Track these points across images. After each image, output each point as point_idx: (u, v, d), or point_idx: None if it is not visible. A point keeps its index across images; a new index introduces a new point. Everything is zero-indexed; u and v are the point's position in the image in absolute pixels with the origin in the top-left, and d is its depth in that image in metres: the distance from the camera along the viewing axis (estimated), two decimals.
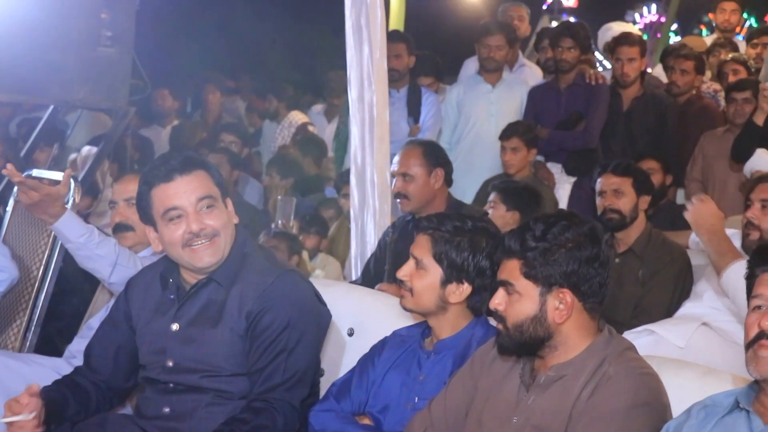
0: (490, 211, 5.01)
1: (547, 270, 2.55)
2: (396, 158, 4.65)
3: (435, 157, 4.57)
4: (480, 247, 3.04)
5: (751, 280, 2.39)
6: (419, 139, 4.97)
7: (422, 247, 3.08)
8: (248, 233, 3.26)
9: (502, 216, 4.88)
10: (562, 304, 2.56)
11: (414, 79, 6.91)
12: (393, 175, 4.64)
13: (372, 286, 4.25)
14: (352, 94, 5.25)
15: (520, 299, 2.58)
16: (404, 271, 3.10)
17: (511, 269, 2.60)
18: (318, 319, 3.19)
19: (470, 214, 3.22)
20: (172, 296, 3.15)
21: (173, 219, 3.02)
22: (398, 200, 4.60)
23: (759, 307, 2.34)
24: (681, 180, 6.24)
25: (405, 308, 3.13)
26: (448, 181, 4.61)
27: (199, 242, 3.02)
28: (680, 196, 6.34)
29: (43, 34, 4.86)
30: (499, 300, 2.63)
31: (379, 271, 4.59)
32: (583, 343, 2.59)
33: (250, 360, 3.03)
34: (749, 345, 2.31)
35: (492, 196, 5.15)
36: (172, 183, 3.02)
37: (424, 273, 3.06)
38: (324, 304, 3.25)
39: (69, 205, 4.18)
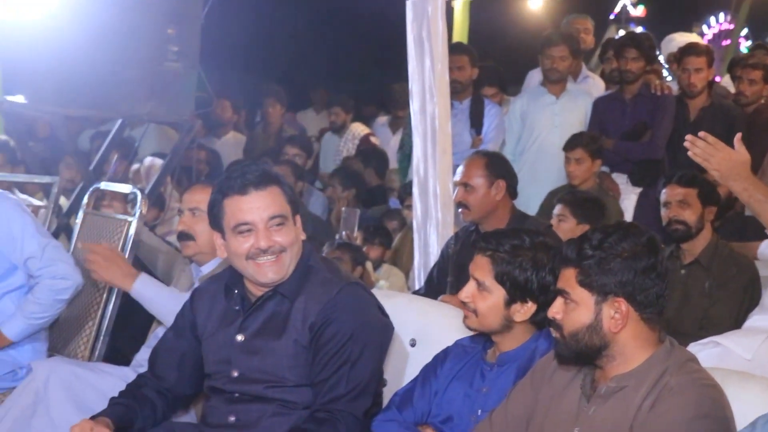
0: (559, 224, 5.00)
1: (602, 279, 2.54)
2: (459, 168, 4.66)
3: (498, 168, 4.56)
4: (542, 264, 3.02)
5: None
6: (484, 150, 4.97)
7: (482, 268, 3.06)
8: (313, 246, 3.28)
9: (572, 229, 4.87)
10: (617, 313, 2.55)
11: (477, 90, 6.91)
12: (455, 185, 4.65)
13: (435, 297, 4.25)
14: (415, 106, 5.29)
15: (576, 308, 2.58)
16: (466, 293, 3.08)
17: (567, 278, 2.60)
18: (381, 330, 3.20)
19: (528, 230, 3.19)
20: (237, 307, 3.19)
21: (243, 232, 3.05)
22: (459, 210, 4.60)
23: None
24: None
25: (469, 328, 3.12)
26: (512, 193, 4.59)
27: (265, 258, 3.05)
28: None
29: (111, 50, 4.97)
30: (556, 309, 2.63)
31: (443, 282, 4.60)
32: (643, 354, 2.57)
33: (314, 371, 3.05)
34: None
35: (560, 209, 5.13)
36: (246, 197, 3.05)
37: (487, 294, 3.04)
38: (387, 316, 3.25)
39: (136, 217, 4.28)
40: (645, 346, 2.58)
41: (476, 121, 6.64)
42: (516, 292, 3.02)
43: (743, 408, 2.52)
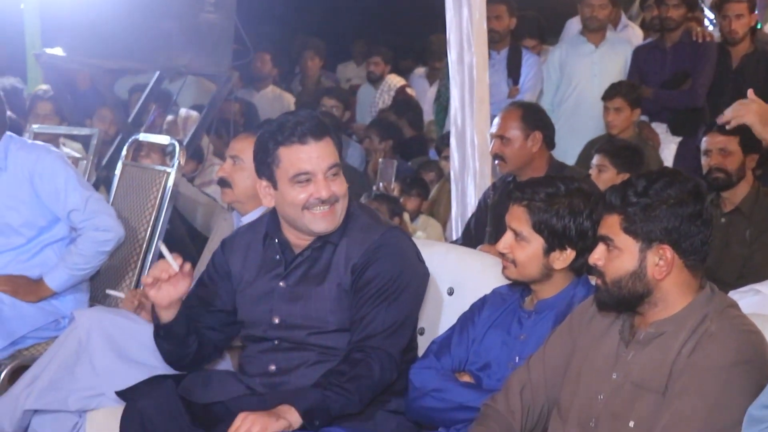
0: (599, 174, 4.96)
1: (647, 226, 2.52)
2: (495, 120, 4.63)
3: (534, 120, 4.53)
4: (579, 210, 2.99)
5: None
6: (521, 101, 4.95)
7: (519, 218, 3.03)
8: (351, 194, 3.29)
9: (612, 179, 4.82)
10: (662, 260, 2.53)
11: (517, 41, 6.84)
12: (491, 137, 4.62)
13: (473, 247, 4.25)
14: (452, 56, 5.26)
15: (620, 255, 2.56)
16: (504, 244, 3.06)
17: (611, 224, 2.57)
18: (420, 276, 3.21)
19: (564, 176, 3.17)
20: (277, 256, 3.20)
21: (302, 182, 3.05)
22: (496, 162, 4.58)
23: None
24: None
25: (509, 278, 3.11)
26: (549, 144, 4.57)
27: (321, 208, 3.06)
28: None
29: (147, 2, 4.97)
30: (598, 255, 2.60)
31: (480, 232, 4.59)
32: (684, 300, 2.55)
33: (353, 311, 3.08)
34: None
35: (598, 159, 5.09)
36: (306, 147, 3.04)
37: (525, 244, 3.02)
38: (424, 264, 3.26)
39: (174, 168, 4.31)
40: (687, 293, 2.56)
41: (514, 71, 6.61)
42: (554, 240, 3.00)
43: None
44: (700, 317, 2.50)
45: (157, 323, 3.21)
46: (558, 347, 2.77)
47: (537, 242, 3.01)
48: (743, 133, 4.49)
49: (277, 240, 3.20)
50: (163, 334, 3.21)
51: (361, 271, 3.07)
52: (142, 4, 5.01)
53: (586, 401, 2.61)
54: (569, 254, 3.01)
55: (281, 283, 3.16)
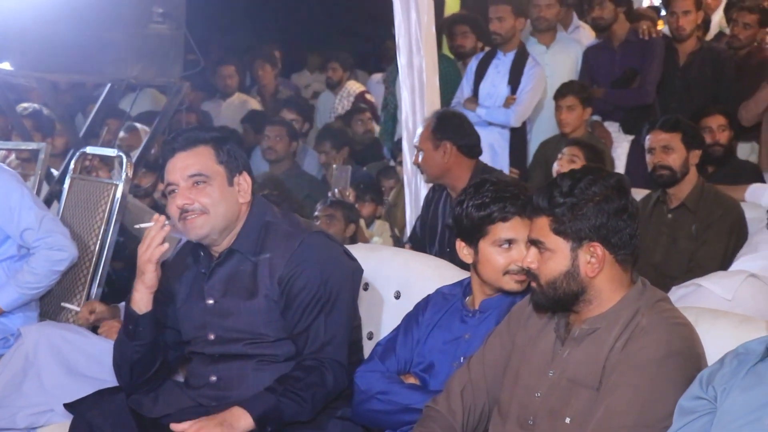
0: (569, 166, 4.93)
1: (576, 225, 2.55)
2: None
3: (443, 130, 4.59)
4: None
5: None
6: (441, 110, 4.91)
7: None
8: (268, 203, 3.30)
9: None
10: (593, 258, 2.55)
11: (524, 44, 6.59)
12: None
13: (421, 249, 4.28)
14: (402, 60, 5.29)
15: (552, 256, 2.58)
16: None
17: (540, 227, 2.60)
18: (350, 273, 3.23)
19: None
20: (203, 270, 3.21)
21: (171, 193, 3.10)
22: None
23: None
24: (742, 134, 6.12)
25: None
26: (468, 153, 4.59)
27: (189, 216, 3.07)
28: (741, 151, 6.23)
29: (95, 13, 4.95)
30: (531, 258, 2.63)
31: (425, 234, 4.62)
32: (617, 296, 2.58)
33: (290, 324, 3.08)
34: None
35: (571, 150, 5.11)
36: (173, 159, 3.10)
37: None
38: (354, 259, 3.28)
39: (122, 180, 4.30)
40: (619, 288, 2.59)
41: (514, 78, 6.31)
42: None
43: (715, 344, 2.53)
44: (632, 312, 2.53)
45: (134, 319, 3.15)
46: (497, 347, 2.79)
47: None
48: (685, 129, 4.55)
49: (202, 254, 3.22)
50: (142, 329, 3.15)
51: (288, 282, 3.08)
52: (89, 17, 4.97)
53: (524, 399, 2.63)
54: None
55: (209, 300, 3.17)
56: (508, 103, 6.25)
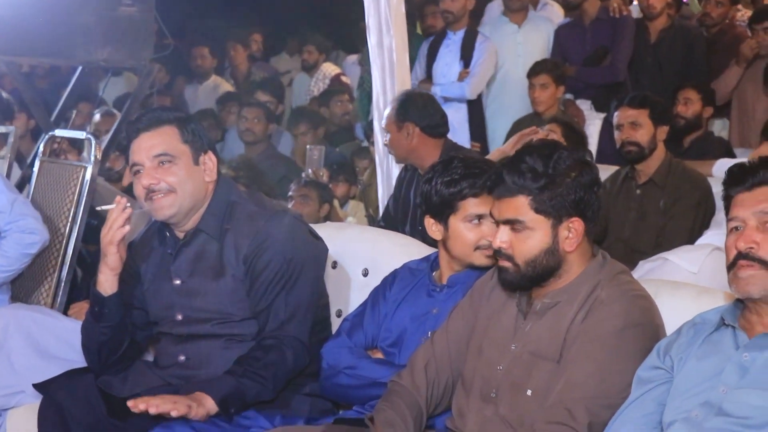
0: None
1: (557, 201, 2.55)
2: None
3: (405, 112, 4.59)
4: None
5: (727, 201, 2.40)
6: (406, 91, 4.91)
7: None
8: (233, 183, 3.31)
9: None
10: (571, 233, 2.56)
11: (474, 22, 6.74)
12: None
13: (394, 228, 4.29)
14: (372, 40, 5.28)
15: (531, 234, 2.57)
16: None
17: (518, 206, 2.57)
18: (315, 253, 3.23)
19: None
20: (170, 251, 3.21)
21: (136, 174, 3.11)
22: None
23: (735, 228, 2.35)
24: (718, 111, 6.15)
25: None
26: (432, 133, 4.60)
27: (155, 196, 3.07)
28: (715, 127, 6.27)
29: None
30: (505, 238, 2.60)
31: (398, 213, 4.64)
32: (580, 269, 2.60)
33: (253, 301, 3.09)
34: (730, 267, 2.33)
35: (550, 127, 5.12)
36: (137, 139, 3.11)
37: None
38: (320, 239, 3.29)
39: (91, 163, 4.29)
40: (583, 262, 2.61)
41: (466, 54, 6.42)
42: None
43: (674, 315, 2.56)
44: (593, 285, 2.55)
45: (100, 301, 3.14)
46: (460, 321, 2.81)
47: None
48: (653, 105, 4.58)
49: (168, 234, 3.22)
50: (108, 311, 3.13)
51: (253, 261, 3.08)
52: (59, 0, 4.96)
53: (487, 373, 2.65)
54: None
55: (176, 281, 3.17)
56: (461, 76, 6.32)
